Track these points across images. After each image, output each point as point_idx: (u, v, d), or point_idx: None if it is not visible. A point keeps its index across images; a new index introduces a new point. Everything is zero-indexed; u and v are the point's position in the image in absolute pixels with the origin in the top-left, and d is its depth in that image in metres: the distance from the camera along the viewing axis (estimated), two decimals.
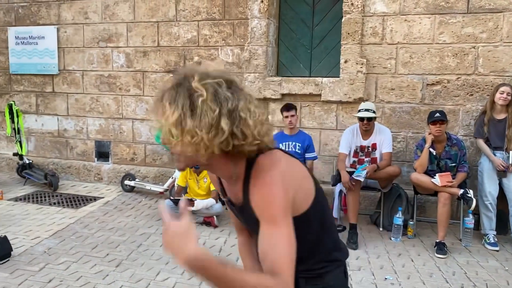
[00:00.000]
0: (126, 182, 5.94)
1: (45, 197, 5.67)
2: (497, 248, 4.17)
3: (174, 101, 1.13)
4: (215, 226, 4.66)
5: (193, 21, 5.74)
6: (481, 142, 4.47)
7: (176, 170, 5.34)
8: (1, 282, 3.32)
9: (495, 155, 4.37)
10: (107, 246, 4.07)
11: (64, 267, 3.61)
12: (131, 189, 5.95)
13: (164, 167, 6.10)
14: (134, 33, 6.00)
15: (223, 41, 5.64)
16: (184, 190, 5.01)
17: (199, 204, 4.62)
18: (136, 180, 5.96)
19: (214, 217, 4.71)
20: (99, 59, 6.21)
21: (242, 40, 5.55)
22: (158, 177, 6.11)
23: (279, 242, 1.13)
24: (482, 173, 4.43)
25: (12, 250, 3.78)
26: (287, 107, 4.64)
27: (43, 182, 5.97)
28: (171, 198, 4.85)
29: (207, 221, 4.70)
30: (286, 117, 4.60)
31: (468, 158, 4.49)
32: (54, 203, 5.40)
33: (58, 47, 6.36)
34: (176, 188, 5.07)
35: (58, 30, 6.33)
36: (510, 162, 4.28)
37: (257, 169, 1.21)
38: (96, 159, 6.42)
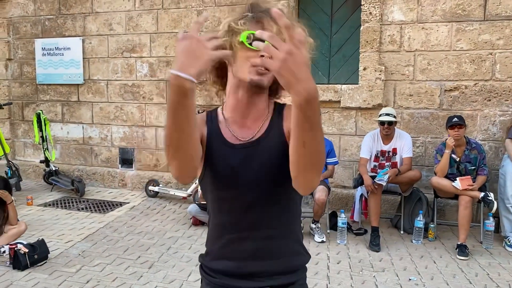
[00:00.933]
0: (150, 187, 6.11)
1: (72, 202, 5.86)
2: None
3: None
4: None
5: (214, 31, 5.90)
6: (509, 143, 4.49)
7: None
8: (42, 283, 3.49)
9: None
10: (138, 249, 4.23)
11: (99, 268, 3.78)
12: (155, 195, 6.12)
13: None
14: (157, 44, 6.20)
15: None
16: None
17: None
18: (160, 185, 6.13)
19: None
20: (123, 68, 6.42)
21: None
22: None
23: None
24: (504, 176, 4.50)
25: (49, 253, 3.96)
26: None
27: (70, 188, 6.17)
28: (197, 202, 5.02)
29: None
30: None
31: (487, 162, 4.58)
32: (82, 208, 5.59)
33: (83, 58, 6.59)
34: (200, 192, 5.23)
35: (83, 41, 6.56)
36: None
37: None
38: (120, 165, 6.61)
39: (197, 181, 5.49)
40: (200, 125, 1.32)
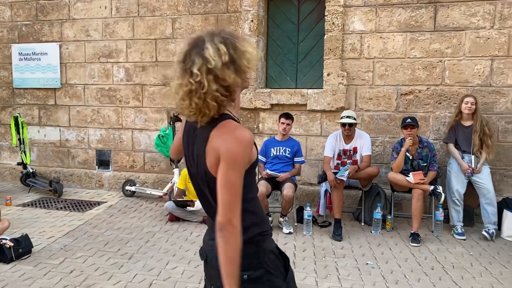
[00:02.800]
0: (127, 187, 6.37)
1: (51, 202, 6.05)
2: (464, 237, 4.75)
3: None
4: None
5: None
6: (451, 147, 5.05)
7: (175, 175, 5.80)
8: (27, 274, 3.73)
9: (463, 158, 4.95)
10: (118, 243, 4.50)
11: (81, 260, 4.04)
12: (132, 194, 6.37)
13: (162, 173, 6.55)
14: (133, 49, 6.48)
15: None
16: (183, 192, 5.47)
17: (199, 204, 5.07)
18: (137, 185, 6.39)
19: None
20: (100, 73, 6.66)
21: None
22: (157, 182, 6.55)
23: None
24: (450, 173, 5.01)
25: (33, 247, 4.19)
26: (287, 116, 5.11)
27: (48, 189, 6.35)
28: (173, 200, 5.31)
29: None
30: (283, 123, 5.09)
31: (437, 159, 5.09)
32: (61, 208, 5.79)
33: (60, 63, 6.79)
34: (176, 191, 5.54)
35: (60, 46, 6.77)
36: (475, 165, 4.87)
37: (222, 123, 1.53)
38: (97, 167, 6.83)
39: (172, 181, 5.79)
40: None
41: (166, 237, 4.72)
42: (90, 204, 5.98)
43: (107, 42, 6.58)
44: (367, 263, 4.06)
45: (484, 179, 4.84)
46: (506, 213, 4.80)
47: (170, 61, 6.34)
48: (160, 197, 6.13)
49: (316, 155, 5.86)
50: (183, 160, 6.05)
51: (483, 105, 5.21)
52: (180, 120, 6.01)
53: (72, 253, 4.20)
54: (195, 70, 1.44)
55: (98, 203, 6.03)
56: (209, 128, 1.52)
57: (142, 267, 3.90)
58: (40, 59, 6.88)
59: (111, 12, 6.51)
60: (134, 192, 6.36)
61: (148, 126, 6.57)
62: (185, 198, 5.35)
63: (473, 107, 4.91)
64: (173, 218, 5.24)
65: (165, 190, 6.05)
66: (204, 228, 4.96)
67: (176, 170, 5.88)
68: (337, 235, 4.67)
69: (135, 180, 6.53)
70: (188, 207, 5.10)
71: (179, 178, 5.51)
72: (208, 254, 1.64)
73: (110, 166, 6.78)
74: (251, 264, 1.56)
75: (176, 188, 5.51)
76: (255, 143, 1.57)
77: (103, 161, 6.82)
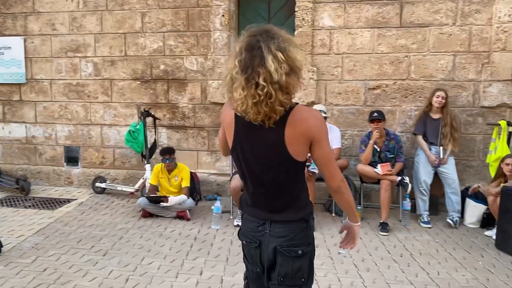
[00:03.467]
0: (97, 184, 6.27)
1: (18, 201, 5.89)
2: (430, 226, 4.97)
3: None
4: (188, 219, 5.13)
5: (159, 32, 6.20)
6: (419, 138, 5.24)
7: (147, 171, 5.76)
8: None
9: (430, 149, 5.16)
10: (91, 240, 4.45)
11: (55, 258, 3.97)
12: (103, 191, 6.28)
13: (133, 169, 6.49)
14: (102, 44, 6.37)
15: (188, 51, 6.15)
16: (155, 188, 5.45)
17: (173, 200, 5.08)
18: (107, 182, 6.30)
19: (187, 211, 5.19)
20: (67, 68, 6.51)
21: (205, 50, 6.09)
22: (128, 178, 6.49)
23: None
24: (418, 163, 5.21)
25: (2, 246, 4.09)
26: None
27: (14, 187, 6.18)
28: (146, 196, 5.28)
29: (180, 215, 5.16)
30: None
31: (404, 150, 5.28)
32: (30, 206, 5.65)
33: (25, 57, 6.59)
34: (148, 187, 5.51)
35: (25, 40, 6.56)
36: (442, 156, 5.10)
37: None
38: (65, 164, 6.69)
39: (144, 177, 5.76)
40: None
41: (140, 233, 4.70)
42: (60, 202, 5.86)
43: (74, 36, 6.43)
44: (339, 253, 4.19)
45: (450, 170, 5.07)
46: (468, 201, 5.05)
47: (140, 55, 6.27)
48: (132, 193, 6.07)
49: None
50: (154, 156, 6.05)
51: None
52: (151, 115, 5.97)
53: (44, 252, 4.13)
54: (261, 82, 1.55)
55: (68, 201, 5.91)
56: (281, 123, 1.65)
57: (117, 263, 3.89)
58: (3, 54, 6.65)
59: (78, 5, 6.36)
60: (104, 189, 6.28)
61: (117, 121, 6.49)
62: (158, 194, 5.33)
63: (443, 101, 5.12)
64: (147, 214, 5.21)
65: (136, 186, 6.01)
66: (178, 223, 4.99)
67: (148, 166, 5.84)
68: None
69: (105, 176, 6.44)
70: (161, 203, 5.09)
71: (151, 174, 5.48)
72: (262, 239, 1.81)
73: (79, 163, 6.66)
74: (303, 240, 1.79)
75: (148, 184, 5.48)
76: None
77: (71, 158, 6.68)
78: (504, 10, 5.23)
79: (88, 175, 6.60)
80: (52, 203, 5.81)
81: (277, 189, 1.78)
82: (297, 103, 1.71)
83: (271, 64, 1.54)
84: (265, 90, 1.55)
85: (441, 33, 5.46)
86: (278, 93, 1.57)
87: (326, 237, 4.61)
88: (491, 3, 5.29)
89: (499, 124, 5.06)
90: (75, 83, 6.53)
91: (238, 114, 1.69)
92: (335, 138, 5.18)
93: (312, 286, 1.92)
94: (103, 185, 6.24)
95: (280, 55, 1.56)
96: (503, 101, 5.34)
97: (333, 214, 5.36)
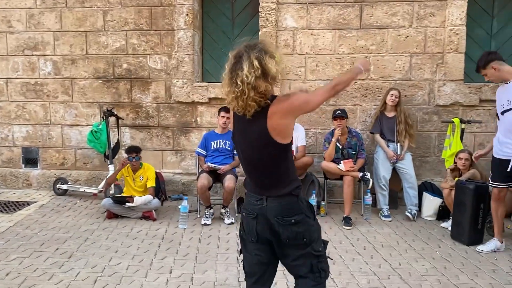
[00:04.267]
0: (59, 186, 6.11)
1: None
2: (390, 219, 5.19)
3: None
4: (154, 219, 5.10)
5: (121, 31, 6.12)
6: (377, 136, 5.47)
7: (111, 172, 5.67)
8: None
9: (388, 146, 5.39)
10: (55, 242, 4.35)
11: (17, 262, 3.85)
12: (64, 193, 6.13)
13: (96, 170, 6.36)
14: (62, 42, 6.20)
15: (151, 50, 6.10)
16: (119, 189, 5.38)
17: (138, 200, 5.04)
18: (69, 183, 6.15)
19: (153, 211, 5.16)
20: (24, 67, 6.29)
21: (169, 49, 6.06)
22: (90, 179, 6.35)
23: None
24: (377, 160, 5.43)
25: None
26: (227, 109, 5.14)
27: None
28: (111, 196, 5.20)
29: (146, 215, 5.12)
30: (223, 117, 5.18)
31: (365, 147, 5.49)
32: None
33: None
34: (108, 176, 5.44)
35: None
36: (399, 152, 5.33)
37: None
38: (23, 165, 6.46)
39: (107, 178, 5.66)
40: None
41: (106, 234, 4.63)
42: (19, 205, 5.66)
43: (32, 33, 6.23)
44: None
45: (407, 165, 5.32)
46: (425, 195, 5.32)
47: (102, 54, 6.16)
48: (95, 194, 5.95)
49: None
50: (117, 156, 5.97)
51: (404, 97, 5.68)
52: (113, 115, 5.88)
53: (5, 256, 3.99)
54: (238, 82, 1.96)
55: (28, 203, 5.73)
56: (262, 115, 2.00)
57: (84, 265, 3.82)
58: None
59: (36, 2, 6.16)
60: (66, 190, 6.12)
61: (79, 121, 6.34)
62: (123, 194, 5.26)
63: (397, 99, 5.35)
64: (111, 215, 5.14)
65: (100, 187, 5.89)
66: (144, 224, 4.96)
67: (111, 167, 5.75)
68: None
69: (66, 178, 6.28)
70: (127, 203, 5.03)
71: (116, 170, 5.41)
72: (258, 212, 2.14)
73: (39, 164, 6.45)
74: (295, 211, 2.10)
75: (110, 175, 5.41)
76: None
77: (30, 159, 6.46)
78: (456, 13, 5.53)
79: (48, 176, 6.41)
80: (10, 206, 5.60)
81: (265, 169, 2.11)
82: (276, 96, 2.06)
83: (245, 69, 1.94)
84: (241, 88, 1.95)
85: (398, 35, 5.71)
86: (251, 91, 1.95)
87: None
88: (444, 7, 5.59)
89: (453, 122, 5.36)
90: (33, 82, 6.32)
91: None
92: (300, 136, 5.31)
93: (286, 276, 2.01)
94: (64, 186, 6.08)
95: (255, 62, 1.94)
96: (456, 99, 5.66)
97: None
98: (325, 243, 2.25)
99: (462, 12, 5.52)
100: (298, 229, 2.10)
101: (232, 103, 2.03)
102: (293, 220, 2.09)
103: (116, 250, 4.16)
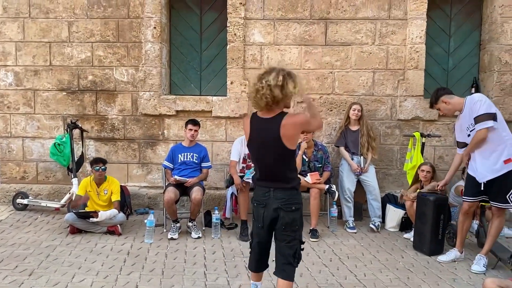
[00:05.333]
0: (19, 200, 5.89)
1: None
2: (355, 231, 5.30)
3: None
4: (120, 234, 5.00)
5: (87, 42, 6.03)
6: (342, 150, 5.60)
7: (74, 185, 5.53)
8: None
9: (352, 159, 5.53)
10: (14, 259, 4.18)
11: None
12: (24, 208, 5.92)
13: (58, 184, 6.19)
14: (24, 52, 6.05)
15: (118, 62, 6.04)
16: (83, 199, 5.24)
17: (103, 215, 4.93)
18: (30, 198, 5.94)
19: (118, 225, 5.05)
20: None
21: (136, 61, 6.02)
22: (53, 194, 6.17)
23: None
24: (342, 173, 5.56)
25: None
26: (194, 122, 5.21)
27: None
28: (74, 211, 5.05)
29: (111, 230, 5.01)
30: (191, 130, 5.18)
31: (331, 160, 5.61)
32: None
33: None
34: (74, 197, 5.27)
35: None
36: (363, 165, 5.48)
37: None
38: None
39: (71, 191, 5.52)
40: None
41: (69, 250, 4.50)
42: None
43: None
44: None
45: (371, 178, 5.46)
46: (388, 207, 5.47)
47: (67, 65, 6.05)
48: (57, 209, 5.77)
49: (222, 160, 6.05)
50: (81, 170, 5.83)
51: (367, 112, 5.87)
52: (78, 127, 5.76)
53: None
54: (263, 82, 2.61)
55: None
56: (277, 124, 2.62)
57: (45, 282, 3.69)
58: None
59: None
60: (26, 205, 5.91)
61: (41, 134, 6.17)
62: (87, 209, 5.13)
63: (359, 113, 5.52)
64: (75, 230, 5.00)
65: (62, 201, 5.73)
66: (109, 239, 4.87)
67: (75, 180, 5.61)
68: (244, 236, 4.90)
69: (27, 192, 6.07)
70: (91, 219, 4.91)
71: (79, 186, 5.27)
72: (267, 202, 2.76)
73: None
74: (295, 201, 2.74)
75: (75, 195, 5.25)
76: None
77: None
78: (416, 32, 5.79)
79: (7, 191, 6.17)
80: None
81: (274, 166, 2.71)
82: (287, 113, 2.68)
83: (272, 76, 2.60)
84: (262, 85, 2.61)
85: (362, 52, 5.91)
86: (267, 90, 2.59)
87: None
88: (405, 26, 5.84)
89: (414, 136, 5.56)
90: None
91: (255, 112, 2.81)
92: None
93: None
94: (25, 201, 5.87)
95: (280, 77, 2.59)
96: (417, 114, 5.88)
97: None
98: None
99: (422, 31, 5.78)
100: (295, 216, 2.73)
101: (252, 96, 2.67)
102: (293, 208, 2.72)
103: (79, 266, 4.05)
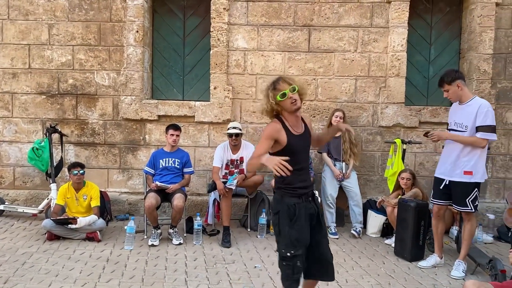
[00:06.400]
0: None
1: None
2: (337, 237, 5.31)
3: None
4: (99, 240, 4.90)
5: (68, 45, 5.94)
6: (325, 155, 5.61)
7: (53, 190, 5.41)
8: None
9: (335, 165, 5.54)
10: None
11: None
12: (0, 213, 5.76)
13: (36, 189, 6.05)
14: (2, 55, 5.92)
15: (99, 66, 5.96)
16: (62, 210, 5.13)
17: (82, 221, 4.82)
18: (6, 203, 5.79)
19: (98, 232, 4.95)
20: None
21: (118, 65, 5.95)
22: (30, 199, 6.03)
23: None
24: (325, 178, 5.56)
25: None
26: (175, 127, 5.17)
27: None
28: (51, 218, 4.93)
29: (90, 237, 4.91)
30: (172, 135, 5.13)
31: (313, 166, 5.62)
32: None
33: None
34: (53, 207, 5.15)
35: None
36: (345, 171, 5.50)
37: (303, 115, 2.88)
38: None
39: (49, 197, 5.40)
40: (280, 130, 2.69)
41: (46, 257, 4.39)
42: None
43: None
44: (255, 266, 4.30)
45: (352, 184, 5.49)
46: (370, 213, 5.50)
47: (47, 68, 5.94)
48: (35, 215, 5.64)
49: (204, 165, 6.01)
50: (60, 175, 5.72)
51: (349, 118, 5.90)
52: (57, 131, 5.64)
53: None
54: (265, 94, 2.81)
55: None
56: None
57: None
58: None
59: None
60: (2, 211, 5.76)
61: (19, 138, 6.03)
62: (67, 215, 5.02)
63: (341, 120, 5.54)
64: (52, 237, 4.88)
65: (40, 207, 5.60)
66: (88, 245, 4.78)
67: (53, 185, 5.49)
68: (226, 242, 4.86)
69: (3, 197, 5.91)
70: (69, 225, 4.80)
71: (58, 194, 5.15)
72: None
73: None
74: (275, 206, 2.81)
75: (54, 204, 5.14)
76: (286, 130, 2.70)
77: None
78: (397, 40, 5.87)
79: None
80: None
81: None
82: (282, 119, 2.75)
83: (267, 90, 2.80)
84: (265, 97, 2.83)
85: (344, 59, 5.96)
86: (265, 99, 2.82)
87: (242, 252, 4.70)
88: (387, 34, 5.91)
89: (395, 142, 5.62)
90: None
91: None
92: (250, 154, 5.32)
93: None
94: (1, 207, 5.72)
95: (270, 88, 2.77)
96: (398, 121, 5.95)
97: (249, 229, 5.50)
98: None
99: (403, 39, 5.87)
100: (275, 220, 2.81)
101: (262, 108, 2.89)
102: (274, 211, 2.86)
103: (56, 274, 3.95)
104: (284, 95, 2.67)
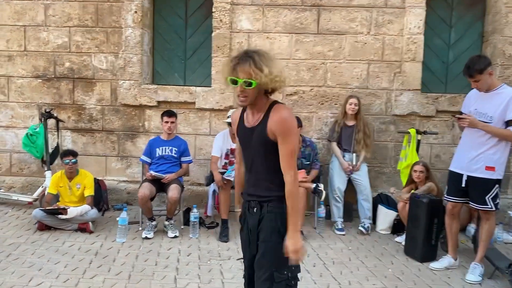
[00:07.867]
0: None
1: None
2: (343, 233, 4.96)
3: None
4: (91, 232, 4.67)
5: (64, 27, 5.67)
6: (334, 145, 5.24)
7: (47, 178, 5.20)
8: None
9: (344, 156, 5.17)
10: None
11: None
12: None
13: (33, 176, 5.86)
14: None
15: (97, 48, 5.68)
16: (55, 198, 4.91)
17: (73, 211, 4.60)
18: (1, 190, 5.62)
19: (90, 223, 4.72)
20: None
21: (116, 48, 5.66)
22: (26, 187, 5.85)
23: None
24: (333, 171, 5.21)
25: None
26: (169, 114, 4.88)
27: None
28: (41, 208, 4.72)
29: (82, 228, 4.69)
30: (167, 122, 4.85)
31: (320, 157, 5.26)
32: None
33: None
34: (46, 196, 4.94)
35: None
36: (355, 163, 5.13)
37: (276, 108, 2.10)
38: None
39: (44, 185, 5.20)
40: (237, 119, 2.25)
41: (33, 249, 4.17)
42: None
43: None
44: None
45: (362, 177, 5.12)
46: (380, 208, 5.13)
47: (43, 51, 5.69)
48: (30, 203, 5.44)
49: (205, 154, 5.70)
50: (56, 162, 5.49)
51: (361, 106, 5.48)
52: (53, 117, 5.41)
53: None
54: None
55: None
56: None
57: None
58: None
59: None
60: None
61: (15, 123, 5.83)
62: (58, 205, 4.79)
63: (356, 108, 5.14)
64: (43, 227, 4.67)
65: (35, 195, 5.41)
66: (79, 237, 4.56)
67: (48, 173, 5.27)
68: (224, 236, 4.57)
69: None
70: (60, 215, 4.58)
71: (50, 182, 4.94)
72: None
73: None
74: None
75: (46, 193, 4.93)
76: (240, 118, 2.23)
77: None
78: (414, 22, 5.41)
79: None
80: None
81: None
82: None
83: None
84: None
85: (356, 42, 5.53)
86: None
87: (239, 248, 4.38)
88: (403, 15, 5.46)
89: (409, 132, 5.21)
90: None
91: None
92: None
93: None
94: None
95: None
96: (413, 109, 5.53)
97: None
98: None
99: (420, 20, 5.41)
100: None
101: None
102: None
103: (40, 268, 3.72)
104: (235, 82, 2.06)
